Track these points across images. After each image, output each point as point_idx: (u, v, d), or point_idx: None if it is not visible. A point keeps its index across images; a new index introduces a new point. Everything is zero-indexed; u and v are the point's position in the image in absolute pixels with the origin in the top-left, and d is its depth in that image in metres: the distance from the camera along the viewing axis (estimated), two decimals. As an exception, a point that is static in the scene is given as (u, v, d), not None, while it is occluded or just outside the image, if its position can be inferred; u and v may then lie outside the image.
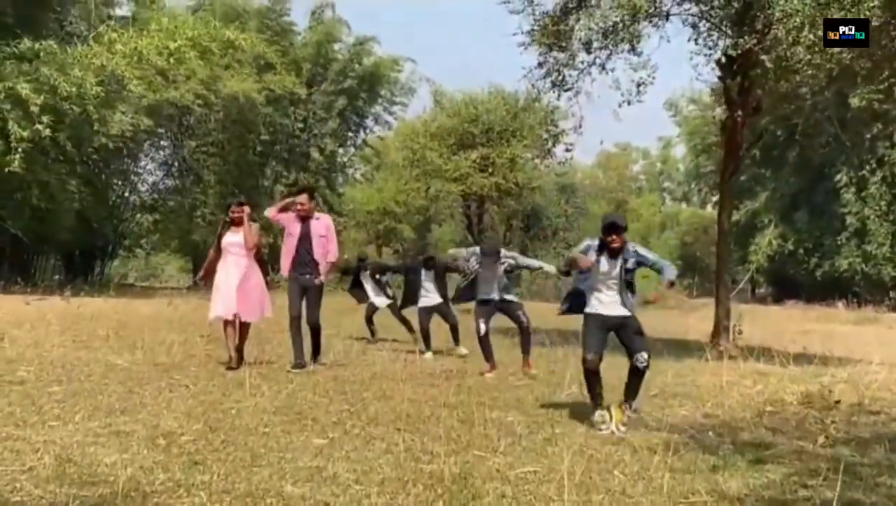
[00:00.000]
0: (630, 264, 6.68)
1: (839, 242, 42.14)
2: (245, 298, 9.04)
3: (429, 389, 7.96)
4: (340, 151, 44.88)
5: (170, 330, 13.63)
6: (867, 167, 40.20)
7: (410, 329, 13.15)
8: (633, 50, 12.65)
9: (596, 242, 6.77)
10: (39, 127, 20.02)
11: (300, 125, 41.73)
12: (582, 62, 13.10)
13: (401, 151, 32.62)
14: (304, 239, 9.23)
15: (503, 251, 10.30)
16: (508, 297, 10.03)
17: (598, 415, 6.45)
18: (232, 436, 5.54)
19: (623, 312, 6.69)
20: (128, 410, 6.19)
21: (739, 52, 11.15)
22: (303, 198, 9.37)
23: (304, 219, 9.30)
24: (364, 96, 42.60)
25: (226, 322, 9.11)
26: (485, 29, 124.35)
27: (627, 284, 6.71)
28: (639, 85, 13.14)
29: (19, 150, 19.91)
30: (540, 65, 13.63)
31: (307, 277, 9.22)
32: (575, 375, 7.99)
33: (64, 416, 5.87)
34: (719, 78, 13.65)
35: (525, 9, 13.50)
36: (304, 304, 9.28)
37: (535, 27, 13.31)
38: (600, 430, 6.26)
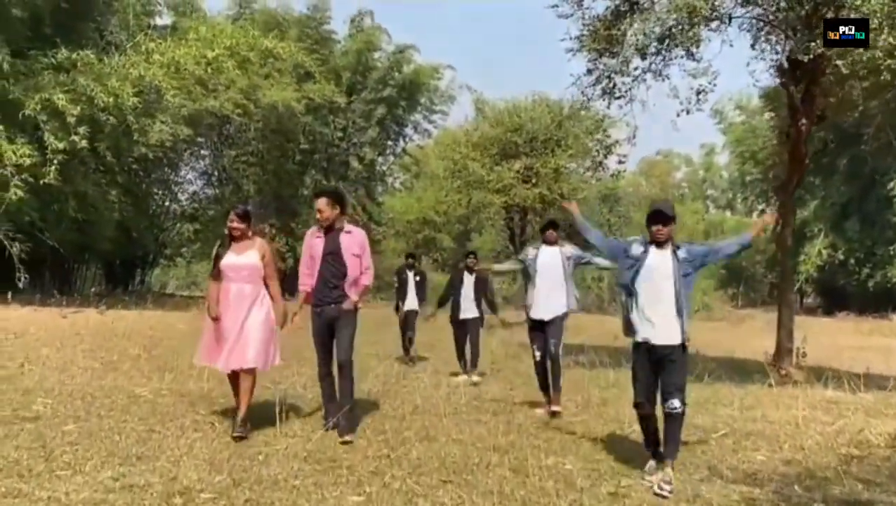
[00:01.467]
0: (684, 253, 5.79)
1: (892, 252, 40.71)
2: (244, 342, 6.71)
3: (475, 426, 7.29)
4: (380, 159, 44.48)
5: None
6: (922, 175, 38.79)
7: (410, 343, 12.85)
8: (691, 55, 11.91)
9: (640, 239, 6.00)
10: (76, 138, 19.72)
11: (339, 134, 41.42)
12: (636, 68, 12.37)
13: (441, 161, 31.99)
14: (330, 258, 6.97)
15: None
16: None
17: (651, 465, 5.80)
18: (257, 492, 4.94)
19: (675, 339, 5.69)
20: (145, 456, 5.62)
21: (811, 56, 10.36)
22: (320, 203, 7.02)
23: (328, 230, 7.02)
24: (403, 105, 42.19)
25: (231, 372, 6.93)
26: (530, 35, 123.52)
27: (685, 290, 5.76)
28: (699, 92, 12.39)
29: (55, 161, 19.61)
30: (589, 71, 12.92)
31: (332, 305, 6.92)
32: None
33: (75, 463, 5.32)
34: (781, 84, 12.83)
35: (574, 13, 12.80)
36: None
37: (585, 32, 12.61)
38: (659, 488, 5.42)
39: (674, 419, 5.63)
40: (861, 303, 41.97)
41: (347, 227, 7.11)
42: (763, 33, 12.79)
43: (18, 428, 6.18)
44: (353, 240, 7.05)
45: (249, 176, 39.49)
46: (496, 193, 24.91)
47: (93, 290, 31.19)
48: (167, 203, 41.34)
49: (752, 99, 47.68)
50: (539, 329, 8.47)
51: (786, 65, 12.34)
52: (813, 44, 10.29)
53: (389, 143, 44.05)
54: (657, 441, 5.85)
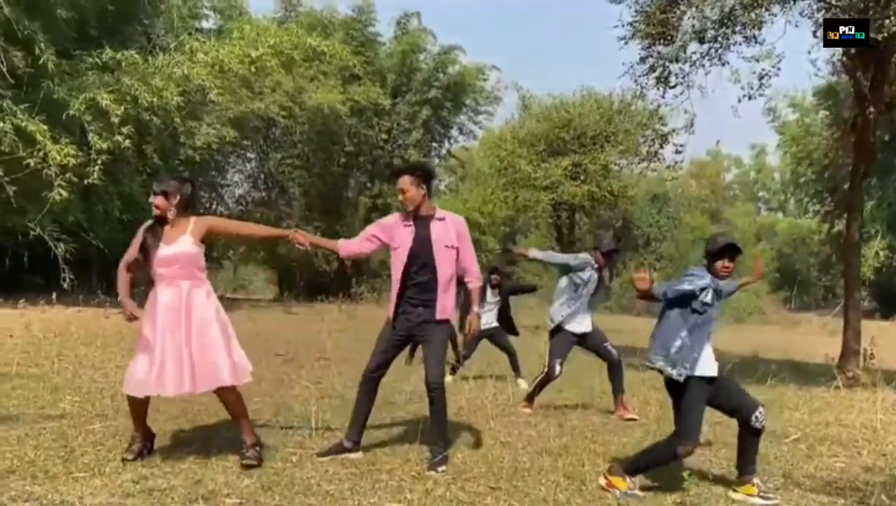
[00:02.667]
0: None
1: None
2: (201, 357, 5.20)
3: (525, 428, 6.81)
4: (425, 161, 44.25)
5: (245, 348, 12.87)
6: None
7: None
8: (753, 39, 11.28)
9: (703, 273, 5.07)
10: (119, 138, 19.65)
11: (384, 136, 41.23)
12: (694, 53, 11.77)
13: (487, 160, 31.45)
14: (419, 251, 5.60)
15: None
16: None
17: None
18: (287, 497, 4.53)
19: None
20: (171, 456, 5.25)
21: (885, 34, 9.67)
22: (403, 182, 5.61)
23: (416, 218, 5.67)
24: (449, 106, 41.85)
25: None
26: (576, 31, 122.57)
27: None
28: (761, 77, 11.76)
29: (98, 161, 19.56)
30: (643, 59, 12.37)
31: (419, 316, 5.60)
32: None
33: (95, 465, 4.95)
34: (847, 71, 12.15)
35: (627, -2, 12.20)
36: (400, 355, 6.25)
37: (638, 18, 12.03)
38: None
39: (758, 433, 5.10)
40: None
41: (440, 212, 5.78)
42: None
43: (41, 427, 5.86)
44: (447, 227, 5.71)
45: (295, 179, 39.52)
46: (543, 190, 24.29)
47: (141, 288, 31.25)
48: (214, 206, 41.55)
49: (805, 96, 46.43)
50: (576, 343, 8.07)
51: (852, 50, 11.66)
52: (888, 21, 9.63)
53: (434, 144, 43.72)
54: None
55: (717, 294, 5.02)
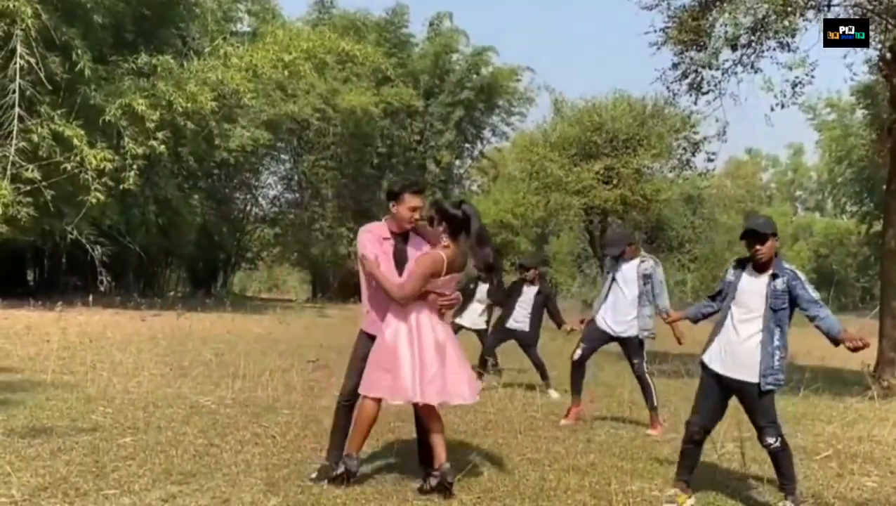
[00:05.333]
0: (781, 285, 5.05)
1: None
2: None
3: (552, 444, 6.78)
4: (457, 162, 44.30)
5: (277, 353, 12.99)
6: None
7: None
8: (786, 46, 11.15)
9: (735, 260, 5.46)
10: (154, 143, 19.92)
11: (417, 137, 41.40)
12: (727, 60, 11.66)
13: (518, 163, 31.40)
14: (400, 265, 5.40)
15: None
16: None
17: (670, 493, 5.21)
18: (314, 517, 4.56)
19: (748, 375, 5.05)
20: (200, 473, 5.29)
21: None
22: (422, 199, 5.41)
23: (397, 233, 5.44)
24: (481, 107, 41.93)
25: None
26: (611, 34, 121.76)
27: (776, 322, 5.05)
28: (794, 85, 11.63)
29: (134, 166, 19.83)
30: (675, 65, 12.28)
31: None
32: (728, 430, 6.70)
33: (125, 482, 5.00)
34: (884, 76, 11.95)
35: (659, 3, 12.13)
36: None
37: (670, 24, 11.94)
38: None
39: (776, 455, 5.11)
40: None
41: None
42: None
43: (73, 441, 5.93)
44: (420, 242, 5.45)
45: (328, 180, 39.76)
46: (575, 194, 24.20)
47: (171, 293, 31.65)
48: (248, 207, 41.95)
49: (843, 96, 45.71)
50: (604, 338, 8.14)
51: (888, 55, 11.47)
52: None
53: (467, 145, 43.83)
54: (688, 477, 5.35)
55: (776, 283, 5.09)
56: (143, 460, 5.55)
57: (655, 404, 7.95)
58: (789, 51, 11.37)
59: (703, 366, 5.32)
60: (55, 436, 6.06)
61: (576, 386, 8.15)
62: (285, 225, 41.36)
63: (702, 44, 11.69)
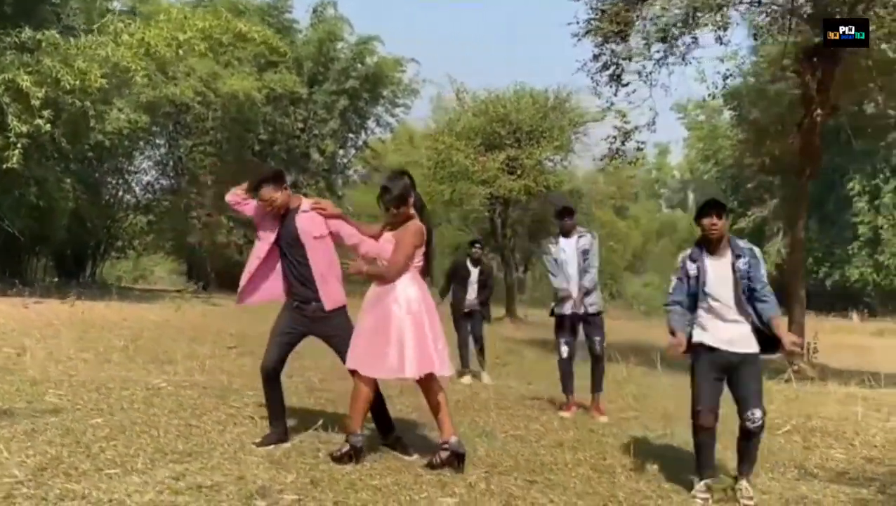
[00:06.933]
0: (743, 265, 4.99)
1: (851, 252, 41.32)
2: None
3: (528, 422, 6.84)
4: (341, 152, 43.82)
5: (190, 340, 12.52)
6: (881, 176, 39.44)
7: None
8: (719, 40, 11.59)
9: (688, 252, 5.23)
10: (40, 122, 18.81)
11: (300, 125, 40.68)
12: (658, 51, 12.00)
13: (424, 152, 31.40)
14: (287, 243, 5.62)
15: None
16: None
17: (701, 486, 4.95)
18: (339, 491, 4.43)
19: (745, 347, 4.97)
20: (195, 452, 5.05)
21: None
22: (266, 192, 5.64)
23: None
24: (366, 97, 41.58)
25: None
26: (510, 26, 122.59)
27: (749, 297, 4.98)
28: (725, 77, 12.12)
29: (18, 145, 18.68)
30: (595, 57, 12.56)
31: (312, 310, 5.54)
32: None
33: (122, 461, 4.73)
34: (796, 73, 12.59)
35: (586, -6, 12.29)
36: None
37: (595, 14, 12.15)
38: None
39: (752, 436, 4.98)
40: (818, 302, 42.46)
41: (305, 204, 5.70)
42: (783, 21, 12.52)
43: (42, 422, 5.54)
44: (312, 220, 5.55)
45: (207, 166, 38.53)
46: (481, 183, 24.49)
47: (48, 278, 30.03)
48: (121, 193, 40.16)
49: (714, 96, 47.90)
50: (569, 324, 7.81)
51: (801, 55, 12.12)
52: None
53: (351, 135, 43.37)
54: (712, 465, 5.10)
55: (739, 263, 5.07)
56: (127, 440, 5.25)
57: (603, 387, 7.89)
58: (722, 43, 11.82)
59: (695, 350, 5.08)
60: (20, 417, 5.65)
61: (568, 387, 7.82)
62: (160, 212, 39.84)
63: (625, 35, 11.99)
